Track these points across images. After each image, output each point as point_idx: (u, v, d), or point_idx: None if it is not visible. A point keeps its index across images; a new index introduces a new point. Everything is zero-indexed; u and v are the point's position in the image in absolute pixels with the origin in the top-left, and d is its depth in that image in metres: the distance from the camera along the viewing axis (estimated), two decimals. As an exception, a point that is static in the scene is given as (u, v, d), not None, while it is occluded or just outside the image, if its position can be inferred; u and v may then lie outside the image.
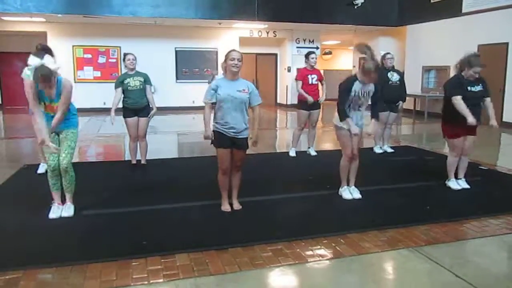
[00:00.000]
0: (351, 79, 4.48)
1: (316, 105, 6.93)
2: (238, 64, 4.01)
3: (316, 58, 6.94)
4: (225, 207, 4.29)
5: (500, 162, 6.92)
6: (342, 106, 4.48)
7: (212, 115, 4.17)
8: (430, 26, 13.21)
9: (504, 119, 10.87)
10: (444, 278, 3.04)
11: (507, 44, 10.67)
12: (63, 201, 4.17)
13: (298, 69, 7.67)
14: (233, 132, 4.08)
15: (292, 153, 7.12)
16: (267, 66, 17.47)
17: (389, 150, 7.45)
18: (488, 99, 4.91)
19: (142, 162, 6.22)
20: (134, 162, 6.15)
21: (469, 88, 4.75)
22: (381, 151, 7.35)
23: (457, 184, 5.11)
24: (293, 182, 5.42)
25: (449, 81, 4.97)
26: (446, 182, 5.16)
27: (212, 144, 4.20)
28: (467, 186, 5.09)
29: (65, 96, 3.90)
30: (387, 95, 7.01)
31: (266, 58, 17.41)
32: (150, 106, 5.97)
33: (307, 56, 6.93)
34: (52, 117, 3.95)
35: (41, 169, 5.66)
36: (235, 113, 4.05)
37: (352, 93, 4.40)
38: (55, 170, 4.04)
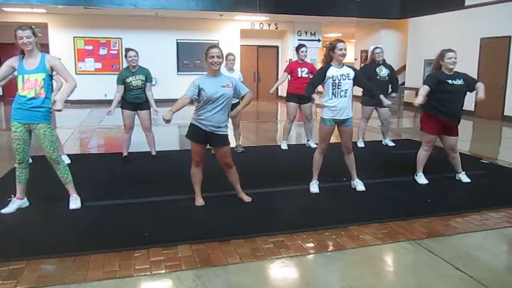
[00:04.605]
0: (326, 66, 4.50)
1: (306, 98, 6.90)
2: (218, 61, 3.97)
3: (306, 52, 6.87)
4: (199, 201, 4.24)
5: (501, 156, 6.92)
6: (310, 84, 4.55)
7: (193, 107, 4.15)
8: (433, 19, 13.14)
9: (505, 113, 10.85)
10: (444, 270, 3.06)
11: (509, 37, 10.62)
12: (63, 194, 4.18)
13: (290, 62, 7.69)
14: (211, 127, 4.03)
15: (284, 146, 7.11)
16: (269, 59, 17.40)
17: (390, 143, 7.44)
18: (478, 83, 4.89)
19: (153, 153, 6.27)
20: (125, 154, 6.14)
21: (449, 81, 4.74)
22: (363, 145, 7.23)
23: (425, 179, 5.04)
24: (294, 174, 5.42)
25: (428, 75, 5.05)
26: (414, 176, 5.13)
27: (186, 136, 4.19)
28: (468, 180, 5.09)
29: (60, 68, 3.86)
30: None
31: (267, 50, 17.34)
32: (155, 100, 6.01)
33: (297, 49, 6.90)
34: (30, 99, 3.77)
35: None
36: (218, 111, 4.00)
37: (331, 78, 4.40)
38: (22, 163, 3.99)
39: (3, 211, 3.94)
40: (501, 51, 10.78)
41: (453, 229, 3.80)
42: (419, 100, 4.70)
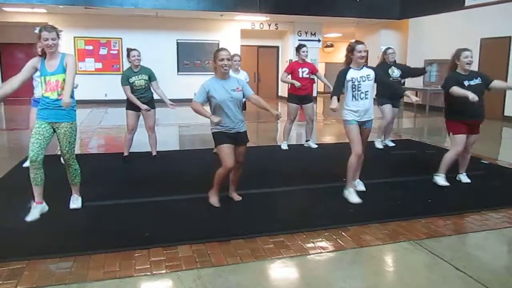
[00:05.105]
0: (345, 69, 4.40)
1: (307, 99, 6.91)
2: (228, 64, 3.94)
3: (307, 52, 6.85)
4: (216, 200, 4.19)
5: (501, 156, 6.92)
6: (333, 92, 4.36)
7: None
8: (433, 19, 13.15)
9: (505, 113, 10.85)
10: (444, 271, 3.06)
11: (509, 38, 10.62)
12: (64, 194, 4.18)
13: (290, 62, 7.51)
14: (234, 129, 4.05)
15: (284, 146, 7.09)
16: (269, 59, 17.41)
17: (390, 144, 7.44)
18: (494, 81, 4.84)
19: (154, 154, 6.28)
20: (126, 154, 6.15)
21: (466, 82, 4.68)
22: (381, 146, 7.25)
23: (445, 181, 4.94)
24: (294, 175, 5.43)
25: (445, 78, 4.91)
26: (435, 176, 5.02)
27: (215, 145, 4.11)
28: (468, 180, 5.09)
29: (71, 64, 3.81)
30: (387, 91, 6.90)
31: (267, 50, 17.35)
32: (158, 99, 6.01)
33: (297, 49, 6.86)
34: (55, 100, 3.75)
35: (27, 163, 5.48)
36: (232, 112, 4.00)
37: (350, 81, 4.31)
38: (34, 162, 3.76)
39: (27, 219, 3.76)
40: (501, 52, 10.78)
41: (454, 230, 3.80)
42: (471, 94, 4.41)
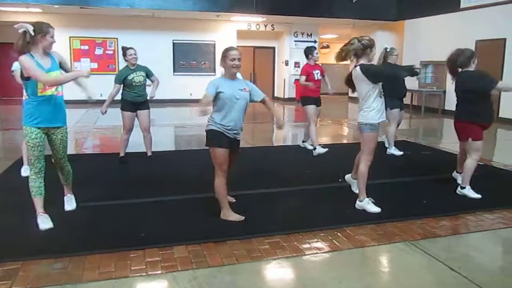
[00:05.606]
0: (366, 64, 4.11)
1: (319, 101, 6.91)
2: (238, 65, 3.80)
3: (318, 54, 6.88)
4: (236, 216, 3.92)
5: (495, 157, 6.95)
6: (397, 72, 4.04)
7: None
8: (429, 21, 13.21)
9: (500, 115, 10.91)
10: (439, 271, 3.07)
11: (504, 39, 10.69)
12: (59, 194, 4.16)
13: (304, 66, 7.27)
14: (233, 134, 3.89)
15: (321, 150, 6.68)
16: (265, 60, 17.43)
17: (386, 145, 7.44)
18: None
19: (149, 154, 6.26)
20: (122, 154, 6.13)
21: None
22: (401, 152, 6.86)
23: (475, 192, 4.63)
24: (290, 175, 5.43)
25: (475, 75, 4.55)
26: (462, 190, 4.70)
27: (208, 144, 3.88)
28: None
29: (66, 62, 3.83)
30: (393, 92, 6.75)
31: (264, 51, 17.37)
32: (154, 100, 6.06)
33: (310, 51, 6.79)
34: (52, 95, 3.64)
35: (25, 172, 5.10)
36: (237, 114, 3.84)
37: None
38: (42, 172, 3.69)
39: (42, 228, 3.63)
40: (496, 53, 10.84)
41: (448, 230, 3.82)
42: None
